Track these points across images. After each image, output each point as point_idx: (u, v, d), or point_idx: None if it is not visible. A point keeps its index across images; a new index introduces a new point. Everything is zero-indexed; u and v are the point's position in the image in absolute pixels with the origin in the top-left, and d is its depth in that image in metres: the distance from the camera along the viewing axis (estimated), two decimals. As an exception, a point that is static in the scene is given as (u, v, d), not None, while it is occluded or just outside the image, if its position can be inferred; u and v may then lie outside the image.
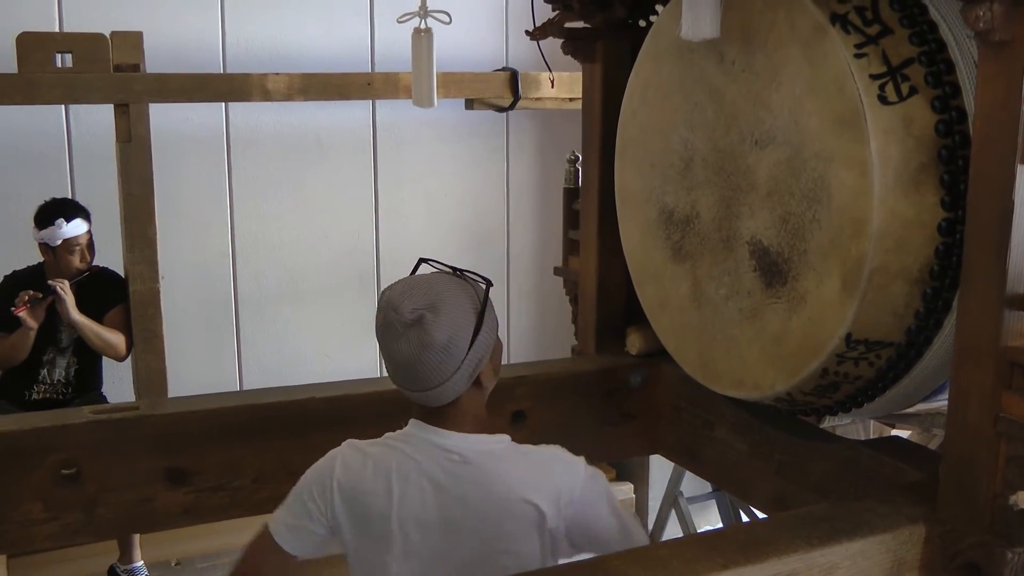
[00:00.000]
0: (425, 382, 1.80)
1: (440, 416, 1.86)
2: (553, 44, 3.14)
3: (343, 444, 1.98)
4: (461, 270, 1.89)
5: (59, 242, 4.14)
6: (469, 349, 1.78)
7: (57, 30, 4.46)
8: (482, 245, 5.55)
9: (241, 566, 2.04)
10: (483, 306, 1.82)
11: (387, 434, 1.94)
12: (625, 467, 5.40)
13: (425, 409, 1.87)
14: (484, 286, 1.87)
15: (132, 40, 4.15)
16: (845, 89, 2.04)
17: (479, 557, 1.84)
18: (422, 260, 1.96)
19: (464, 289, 1.84)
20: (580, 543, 1.88)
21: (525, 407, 2.87)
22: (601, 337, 3.15)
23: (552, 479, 1.83)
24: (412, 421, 1.91)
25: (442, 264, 1.92)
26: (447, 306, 1.77)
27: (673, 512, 4.86)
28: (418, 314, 1.76)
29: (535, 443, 1.97)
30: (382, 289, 1.88)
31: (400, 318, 1.78)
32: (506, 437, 1.90)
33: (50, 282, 4.07)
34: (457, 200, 5.50)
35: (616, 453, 3.90)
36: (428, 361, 1.77)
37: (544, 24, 3.04)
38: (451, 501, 1.84)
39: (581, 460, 1.90)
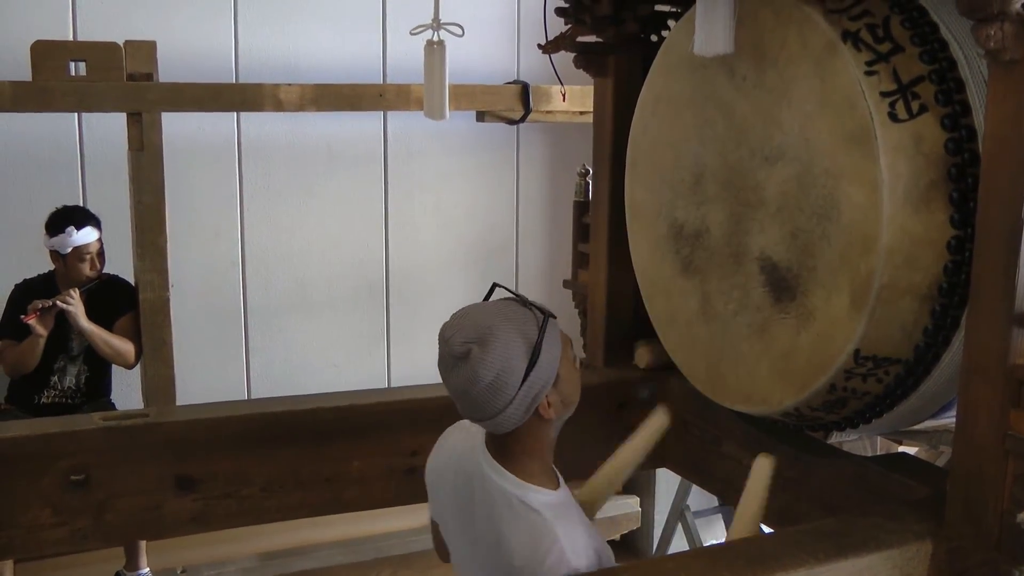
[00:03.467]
0: (477, 413, 1.79)
1: (500, 445, 1.86)
2: (565, 58, 3.16)
3: (456, 424, 2.05)
4: (527, 300, 1.84)
5: (69, 250, 4.15)
6: (522, 384, 1.74)
7: (71, 39, 4.48)
8: (491, 257, 5.56)
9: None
10: (539, 341, 1.76)
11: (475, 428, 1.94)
12: (631, 480, 5.33)
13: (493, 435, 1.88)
14: (543, 318, 1.80)
15: (146, 49, 4.16)
16: (856, 106, 2.04)
17: (491, 568, 1.86)
18: (496, 285, 1.92)
19: (519, 322, 1.77)
20: None
21: (533, 419, 2.88)
22: (610, 350, 3.16)
23: (533, 552, 1.77)
24: (486, 433, 1.91)
25: (511, 291, 1.88)
26: (496, 341, 1.73)
27: (679, 526, 4.86)
28: (466, 348, 1.72)
29: None
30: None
31: (450, 351, 1.75)
32: (547, 496, 1.84)
33: (55, 298, 4.08)
34: (467, 212, 5.51)
35: (623, 466, 3.90)
36: (476, 396, 1.75)
37: (556, 38, 3.05)
38: (477, 517, 1.87)
39: (579, 559, 1.78)
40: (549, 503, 1.84)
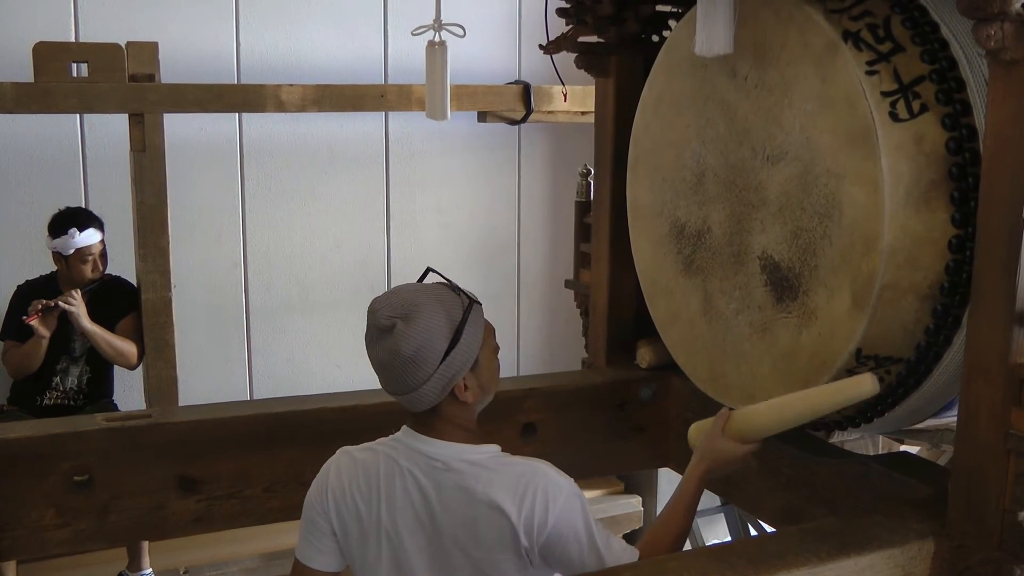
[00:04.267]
0: (396, 387, 1.84)
1: (426, 424, 1.89)
2: (566, 58, 3.16)
3: (337, 452, 2.00)
4: (456, 286, 1.89)
5: (72, 251, 4.15)
6: (440, 363, 1.79)
7: (73, 40, 4.48)
8: (493, 257, 5.57)
9: None
10: (461, 323, 1.81)
11: (379, 439, 1.97)
12: (634, 480, 5.39)
13: (415, 416, 1.90)
14: (468, 303, 1.85)
15: (147, 50, 4.16)
16: (857, 106, 2.05)
17: (463, 564, 1.85)
18: (429, 269, 1.98)
19: (446, 304, 1.83)
20: (554, 563, 1.85)
21: (535, 419, 2.88)
22: (612, 350, 3.16)
23: (529, 494, 1.80)
24: (404, 427, 1.94)
25: (442, 276, 1.93)
26: (421, 318, 1.79)
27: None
28: (392, 321, 1.79)
29: (544, 454, 1.97)
30: None
31: (376, 323, 1.82)
32: (494, 447, 1.90)
33: (57, 298, 4.08)
34: (468, 212, 5.51)
35: (626, 466, 3.91)
36: (396, 368, 1.80)
37: (558, 38, 3.05)
38: (435, 507, 1.85)
39: (565, 481, 1.85)
40: (500, 450, 1.90)
